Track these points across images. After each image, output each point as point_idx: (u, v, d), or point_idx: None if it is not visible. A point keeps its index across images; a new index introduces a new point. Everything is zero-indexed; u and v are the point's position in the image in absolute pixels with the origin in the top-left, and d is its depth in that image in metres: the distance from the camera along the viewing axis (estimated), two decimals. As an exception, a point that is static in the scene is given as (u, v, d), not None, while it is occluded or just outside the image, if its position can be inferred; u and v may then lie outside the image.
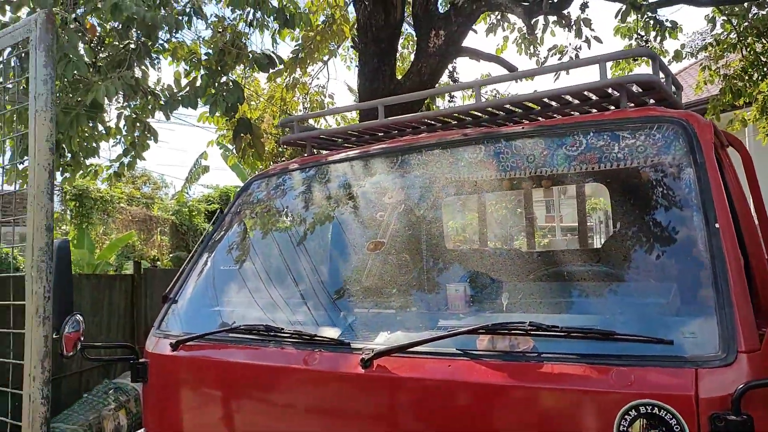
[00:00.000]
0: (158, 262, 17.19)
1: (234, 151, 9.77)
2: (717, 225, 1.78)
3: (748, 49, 7.68)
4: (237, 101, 4.43)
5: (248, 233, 3.05)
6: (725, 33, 7.83)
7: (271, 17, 4.99)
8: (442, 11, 6.00)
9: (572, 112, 2.87)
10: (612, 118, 2.24)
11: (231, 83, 4.54)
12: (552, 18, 6.17)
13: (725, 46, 7.63)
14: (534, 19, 5.55)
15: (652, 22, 6.35)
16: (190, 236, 17.17)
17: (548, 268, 2.21)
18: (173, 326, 2.76)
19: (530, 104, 2.72)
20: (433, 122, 3.08)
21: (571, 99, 2.66)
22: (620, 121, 2.19)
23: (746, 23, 7.33)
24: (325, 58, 8.55)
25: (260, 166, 7.34)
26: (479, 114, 2.86)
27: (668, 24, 6.38)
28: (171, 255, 17.02)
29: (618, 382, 1.63)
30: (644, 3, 6.06)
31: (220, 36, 5.30)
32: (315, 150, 3.41)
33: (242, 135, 4.98)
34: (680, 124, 2.05)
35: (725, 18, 7.47)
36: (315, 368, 2.09)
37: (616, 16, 6.45)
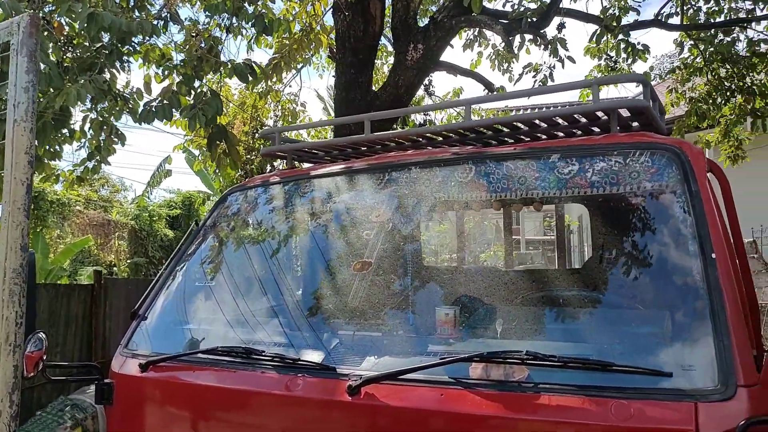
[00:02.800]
0: (115, 268, 16.65)
1: (200, 156, 9.57)
2: (714, 256, 1.77)
3: (713, 74, 7.91)
4: (216, 112, 4.30)
5: (225, 248, 2.93)
6: (692, 57, 8.06)
7: (249, 23, 4.88)
8: (421, 25, 5.98)
9: (557, 134, 2.86)
10: (605, 143, 2.23)
11: (209, 93, 4.40)
12: (528, 36, 6.23)
13: (692, 70, 7.85)
14: (512, 37, 5.59)
15: (623, 44, 6.47)
16: (149, 242, 16.70)
17: (541, 293, 2.17)
18: (142, 345, 2.62)
19: (519, 124, 2.70)
20: (418, 138, 3.02)
21: (561, 121, 2.64)
22: (613, 146, 2.17)
23: (712, 49, 7.55)
24: (299, 66, 8.45)
25: (235, 174, 7.17)
26: (467, 132, 2.82)
27: (640, 47, 6.52)
28: (129, 261, 16.53)
29: (618, 415, 1.59)
30: (617, 25, 6.17)
31: (194, 40, 5.16)
32: (296, 163, 3.31)
33: (217, 142, 4.83)
34: (674, 152, 2.04)
35: (692, 43, 7.68)
36: (298, 394, 1.99)
37: (591, 39, 6.55)
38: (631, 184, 2.07)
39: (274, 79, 8.40)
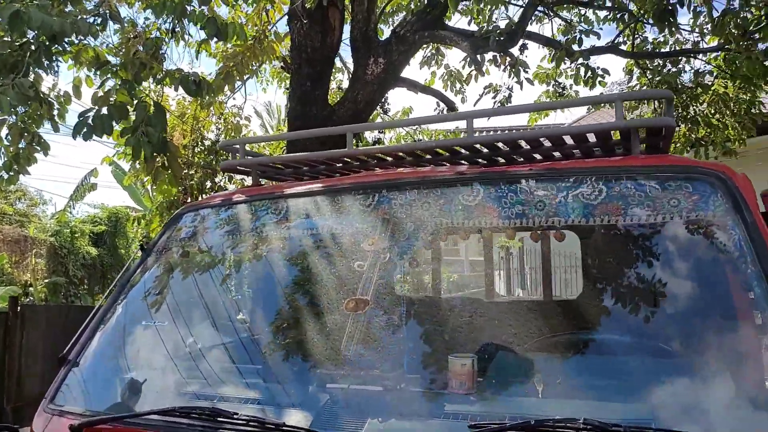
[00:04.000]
0: (31, 288, 15.30)
1: (130, 170, 8.84)
2: None
3: (659, 103, 8.07)
4: (162, 133, 3.79)
5: (180, 279, 2.46)
6: (640, 86, 8.20)
7: (199, 26, 4.42)
8: (382, 38, 5.71)
9: (556, 154, 2.61)
10: (636, 165, 1.97)
11: (151, 106, 3.88)
12: (488, 56, 6.08)
13: (640, 98, 7.96)
14: (479, 55, 5.40)
15: (583, 68, 6.45)
16: (70, 260, 15.45)
17: (581, 337, 1.85)
18: (74, 400, 2.12)
19: (523, 142, 2.42)
20: (404, 155, 2.69)
21: (568, 139, 2.38)
22: (646, 169, 1.92)
23: (659, 78, 7.70)
24: (246, 77, 7.99)
25: (173, 191, 6.59)
26: (461, 150, 2.52)
27: (599, 71, 6.52)
28: (46, 280, 15.22)
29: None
30: (578, 49, 6.14)
31: (132, 42, 4.64)
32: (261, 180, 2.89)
33: (156, 155, 4.30)
34: (718, 177, 1.80)
35: (641, 71, 7.81)
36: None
37: (551, 60, 6.49)
38: (671, 213, 1.81)
39: (226, 90, 7.93)
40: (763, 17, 5.25)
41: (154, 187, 7.40)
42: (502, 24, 5.43)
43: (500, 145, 2.41)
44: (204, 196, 8.36)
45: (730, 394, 1.53)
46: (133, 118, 4.08)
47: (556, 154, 2.50)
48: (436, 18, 5.68)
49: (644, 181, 1.90)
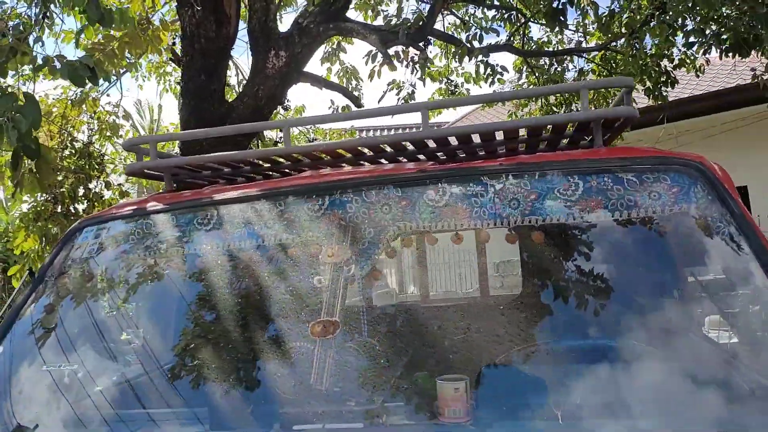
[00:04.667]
0: None
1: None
2: None
3: (546, 100, 8.43)
4: (32, 125, 3.17)
5: (81, 311, 2.01)
6: (528, 84, 8.51)
7: (78, 9, 3.81)
8: (283, 30, 5.34)
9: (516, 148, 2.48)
10: (610, 157, 1.86)
11: (21, 96, 3.25)
12: (390, 52, 5.91)
13: (529, 96, 8.26)
14: (388, 48, 5.22)
15: (483, 66, 6.52)
16: None
17: (595, 341, 1.66)
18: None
19: (475, 137, 2.25)
20: (347, 153, 2.43)
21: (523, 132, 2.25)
22: (623, 162, 1.81)
23: (546, 76, 8.03)
24: (122, 70, 7.22)
25: (38, 199, 5.76)
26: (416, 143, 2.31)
27: (498, 68, 6.62)
28: None
29: None
30: (478, 46, 6.18)
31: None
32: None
33: (22, 159, 3.64)
34: (698, 168, 1.74)
35: (530, 70, 8.10)
36: None
37: (453, 57, 6.49)
38: (654, 207, 1.72)
39: (89, 85, 7.12)
40: (649, 17, 5.58)
41: (17, 195, 6.43)
42: (411, 18, 5.30)
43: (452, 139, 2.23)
44: (79, 205, 7.44)
45: (744, 390, 1.45)
46: None
47: (502, 149, 2.38)
48: (338, 10, 5.43)
49: (621, 174, 1.80)
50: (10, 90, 3.57)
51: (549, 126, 2.14)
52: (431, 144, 2.38)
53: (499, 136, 2.28)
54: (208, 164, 2.46)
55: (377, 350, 1.67)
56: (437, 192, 1.85)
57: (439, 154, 2.42)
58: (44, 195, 6.88)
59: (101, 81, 7.65)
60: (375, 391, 1.58)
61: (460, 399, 1.56)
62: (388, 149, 2.43)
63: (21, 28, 3.72)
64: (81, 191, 7.79)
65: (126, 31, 4.81)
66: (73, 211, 7.32)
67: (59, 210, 7.27)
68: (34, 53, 3.84)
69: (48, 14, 4.45)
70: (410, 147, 2.42)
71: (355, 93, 7.96)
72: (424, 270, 3.56)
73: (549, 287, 1.79)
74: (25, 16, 4.64)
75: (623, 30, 6.03)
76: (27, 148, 3.57)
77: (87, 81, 3.42)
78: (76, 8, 3.85)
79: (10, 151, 4.03)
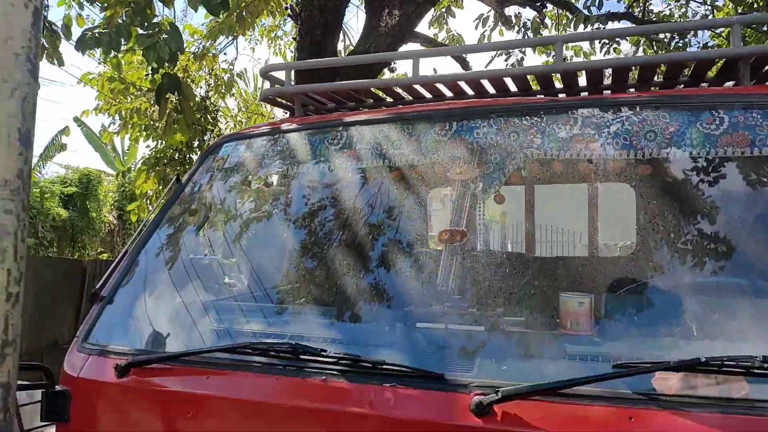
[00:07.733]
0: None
1: (110, 126, 8.33)
2: None
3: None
4: (178, 49, 3.45)
5: (227, 212, 2.20)
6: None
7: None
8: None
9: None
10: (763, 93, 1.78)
11: (168, 26, 3.53)
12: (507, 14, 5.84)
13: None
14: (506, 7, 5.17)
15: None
16: (39, 221, 14.73)
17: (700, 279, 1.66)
18: (110, 338, 1.85)
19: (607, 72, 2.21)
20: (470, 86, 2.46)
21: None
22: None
23: (664, 51, 7.59)
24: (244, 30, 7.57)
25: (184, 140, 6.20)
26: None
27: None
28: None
29: None
30: (594, 14, 5.96)
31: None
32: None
33: (167, 96, 3.95)
34: None
35: (648, 43, 7.69)
36: (391, 414, 1.36)
37: (568, 25, 6.30)
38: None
39: (209, 42, 7.54)
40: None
41: (154, 136, 6.94)
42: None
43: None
44: (194, 155, 7.96)
45: None
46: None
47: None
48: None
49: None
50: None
51: (691, 64, 2.07)
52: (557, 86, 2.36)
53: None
54: (337, 92, 2.58)
55: (503, 259, 1.72)
56: (571, 123, 1.84)
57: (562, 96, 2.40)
58: (164, 142, 7.36)
59: (220, 38, 8.00)
60: (497, 299, 1.63)
61: (584, 313, 1.58)
62: (513, 88, 2.44)
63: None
64: (196, 142, 8.33)
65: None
66: (188, 159, 7.86)
67: (176, 157, 7.82)
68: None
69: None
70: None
71: (459, 62, 7.94)
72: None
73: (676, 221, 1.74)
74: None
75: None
76: (170, 82, 3.88)
77: (220, 9, 3.61)
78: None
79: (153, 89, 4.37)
